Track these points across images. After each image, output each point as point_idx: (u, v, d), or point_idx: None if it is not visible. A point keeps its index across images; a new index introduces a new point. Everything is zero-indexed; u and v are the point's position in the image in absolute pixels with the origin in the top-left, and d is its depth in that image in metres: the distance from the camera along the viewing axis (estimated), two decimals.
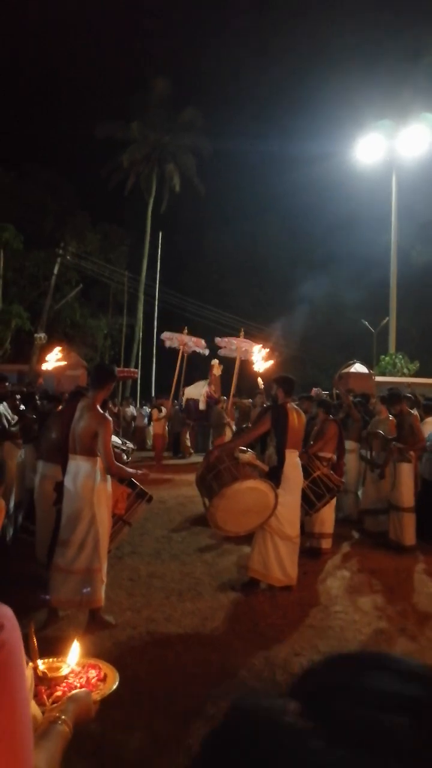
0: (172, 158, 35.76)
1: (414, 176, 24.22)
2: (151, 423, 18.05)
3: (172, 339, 16.75)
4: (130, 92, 34.84)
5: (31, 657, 1.31)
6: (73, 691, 1.27)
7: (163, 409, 15.02)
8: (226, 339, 15.73)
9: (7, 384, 7.30)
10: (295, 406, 5.62)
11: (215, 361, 17.31)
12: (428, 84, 25.52)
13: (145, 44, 46.38)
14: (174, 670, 3.76)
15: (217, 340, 15.70)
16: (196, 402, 16.28)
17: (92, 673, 1.40)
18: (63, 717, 1.16)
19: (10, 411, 6.77)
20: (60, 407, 6.33)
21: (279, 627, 4.54)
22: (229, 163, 37.49)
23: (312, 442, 6.65)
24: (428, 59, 27.68)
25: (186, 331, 16.50)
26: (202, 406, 15.75)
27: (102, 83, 40.97)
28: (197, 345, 16.62)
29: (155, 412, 15.22)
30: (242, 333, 15.50)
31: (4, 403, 6.75)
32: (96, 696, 1.31)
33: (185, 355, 16.54)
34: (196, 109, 35.17)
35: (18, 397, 7.47)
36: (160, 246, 33.73)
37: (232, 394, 14.28)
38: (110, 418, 4.48)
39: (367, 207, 29.31)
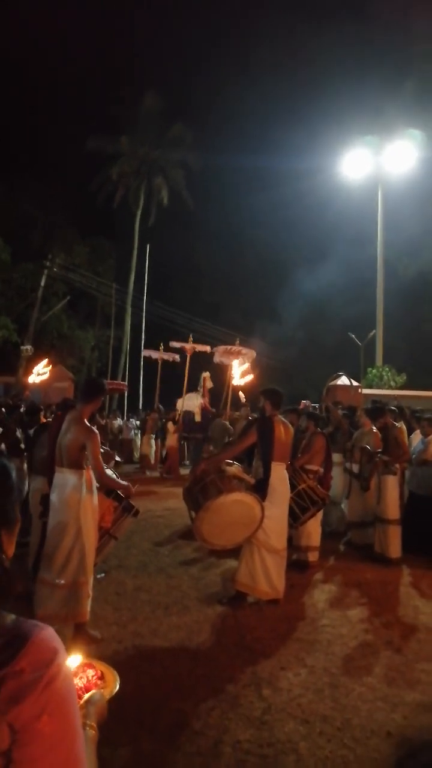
0: (161, 172, 36.01)
1: (400, 191, 24.54)
2: (136, 435, 18.03)
3: (150, 354, 17.19)
4: (119, 106, 35.04)
5: None
6: (89, 694, 1.28)
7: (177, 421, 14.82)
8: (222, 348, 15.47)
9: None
10: (283, 419, 5.63)
11: (206, 374, 17.34)
12: (413, 100, 25.95)
13: (135, 59, 46.79)
14: (160, 685, 3.74)
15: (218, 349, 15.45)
16: (191, 414, 16.24)
17: (90, 672, 1.40)
18: (89, 722, 1.18)
19: None
20: (44, 420, 6.31)
21: (265, 641, 4.53)
22: (217, 176, 37.76)
23: (299, 455, 6.66)
24: (414, 76, 28.16)
25: (162, 348, 16.66)
26: (197, 418, 15.67)
27: (92, 97, 41.26)
28: (170, 356, 16.83)
29: (170, 424, 14.81)
30: (237, 341, 15.44)
31: None
32: (106, 696, 1.33)
33: (160, 364, 16.75)
34: (184, 125, 35.47)
35: (3, 410, 7.44)
36: (147, 258, 33.81)
37: (228, 407, 14.12)
38: (97, 431, 4.48)
39: (354, 221, 29.65)
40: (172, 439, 14.73)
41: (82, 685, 1.35)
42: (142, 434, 16.45)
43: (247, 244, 36.88)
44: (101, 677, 1.40)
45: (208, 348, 16.68)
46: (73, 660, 1.41)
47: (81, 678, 1.37)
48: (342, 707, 3.56)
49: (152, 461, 15.89)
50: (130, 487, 4.70)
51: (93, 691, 1.31)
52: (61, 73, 42.63)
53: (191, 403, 16.12)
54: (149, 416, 16.02)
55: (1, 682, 0.90)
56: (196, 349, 15.32)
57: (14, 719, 0.90)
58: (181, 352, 16.07)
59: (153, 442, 15.82)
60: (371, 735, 3.28)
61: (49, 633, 0.98)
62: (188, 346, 15.12)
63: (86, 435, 4.33)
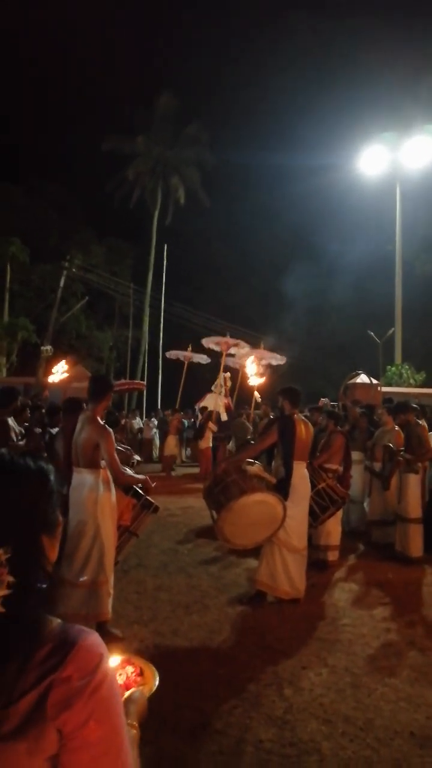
0: (177, 171, 36.05)
1: (418, 187, 24.31)
2: (156, 434, 18.06)
3: (177, 355, 16.99)
4: (135, 107, 35.21)
5: None
6: (128, 693, 1.28)
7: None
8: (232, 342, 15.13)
9: (18, 399, 7.29)
10: (303, 417, 5.61)
11: (227, 374, 17.36)
12: (431, 96, 25.67)
13: (150, 60, 46.93)
14: (181, 684, 3.74)
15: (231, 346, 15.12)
16: (218, 414, 16.25)
17: (129, 669, 1.40)
18: (129, 721, 1.18)
19: (17, 425, 6.79)
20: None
21: (286, 640, 4.51)
22: (233, 175, 37.78)
23: (318, 454, 6.63)
24: None
25: (190, 348, 16.58)
26: (224, 417, 15.63)
27: (108, 98, 41.37)
28: (200, 358, 16.70)
29: (211, 424, 14.36)
30: (261, 346, 15.31)
31: (12, 418, 6.76)
32: (146, 693, 1.32)
33: (186, 365, 16.60)
34: (200, 124, 35.51)
35: (27, 412, 7.51)
36: (165, 258, 33.89)
37: (253, 406, 13.96)
38: (110, 429, 4.48)
39: (371, 218, 29.47)
40: (207, 441, 14.26)
41: (122, 683, 1.35)
42: (163, 434, 16.41)
43: (263, 242, 36.79)
44: (140, 674, 1.41)
45: (204, 358, 16.65)
46: (114, 658, 1.41)
47: (121, 675, 1.38)
48: (364, 707, 3.54)
49: (178, 461, 15.75)
50: (148, 480, 4.71)
51: (133, 690, 1.31)
52: (77, 74, 42.94)
53: (213, 402, 16.07)
54: (173, 416, 15.78)
55: (49, 687, 0.91)
56: (231, 348, 14.81)
57: (63, 725, 0.91)
58: (214, 352, 15.89)
59: (178, 442, 15.56)
60: (395, 735, 3.26)
61: (94, 638, 0.99)
62: (225, 340, 14.55)
63: (99, 433, 4.34)
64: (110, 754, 0.94)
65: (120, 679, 1.35)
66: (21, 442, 6.65)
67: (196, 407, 17.46)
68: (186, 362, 16.55)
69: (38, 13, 39.52)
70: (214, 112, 40.62)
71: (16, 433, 6.64)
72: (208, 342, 14.98)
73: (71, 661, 0.94)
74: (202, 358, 16.75)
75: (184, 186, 36.19)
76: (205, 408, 14.01)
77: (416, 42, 30.59)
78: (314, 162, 30.85)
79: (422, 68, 28.33)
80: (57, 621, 1.01)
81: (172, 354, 17.35)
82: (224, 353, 14.52)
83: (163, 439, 16.49)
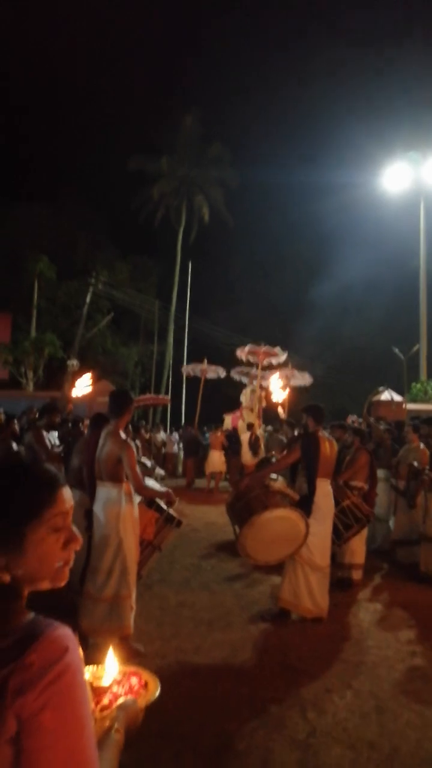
0: (201, 191, 36.40)
1: None
2: (180, 449, 18.03)
3: (193, 369, 16.95)
4: (160, 127, 35.68)
5: None
6: (121, 700, 1.29)
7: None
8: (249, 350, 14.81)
9: (57, 413, 7.40)
10: (327, 435, 5.57)
11: (263, 393, 17.34)
12: None
13: (174, 80, 47.67)
14: (203, 703, 3.70)
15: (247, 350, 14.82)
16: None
17: (134, 680, 1.40)
18: (116, 726, 1.19)
19: (57, 440, 6.96)
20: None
21: (309, 660, 4.44)
22: (256, 193, 38.06)
23: (343, 471, 6.57)
24: None
25: (206, 361, 16.58)
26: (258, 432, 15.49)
27: (133, 118, 42.15)
28: (214, 372, 16.62)
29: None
30: (290, 365, 15.16)
31: (53, 432, 6.92)
32: (141, 703, 1.32)
33: (203, 379, 16.54)
34: (223, 144, 35.89)
35: (70, 425, 7.68)
36: (189, 275, 34.14)
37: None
38: (132, 443, 4.50)
39: (395, 235, 29.29)
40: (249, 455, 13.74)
41: (123, 693, 1.35)
42: (186, 449, 16.26)
43: (286, 259, 36.87)
44: (145, 686, 1.40)
45: (220, 371, 16.50)
46: (115, 667, 1.42)
47: (123, 685, 1.38)
48: (390, 733, 3.46)
49: (223, 477, 15.47)
50: (170, 494, 4.70)
51: (126, 697, 1.31)
52: (104, 95, 43.80)
53: (251, 418, 15.92)
54: (215, 432, 15.40)
55: (9, 674, 0.94)
56: (272, 361, 14.45)
57: (19, 710, 0.93)
58: (229, 366, 15.77)
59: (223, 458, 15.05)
60: (421, 763, 3.17)
61: (63, 631, 1.01)
62: (262, 350, 14.24)
63: (121, 447, 4.36)
64: (67, 743, 0.95)
65: (121, 690, 1.36)
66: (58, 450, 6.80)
67: (228, 422, 17.31)
68: (203, 377, 16.53)
69: (68, 38, 40.57)
70: (237, 131, 41.17)
71: (51, 443, 6.77)
72: (243, 353, 14.71)
73: (35, 649, 0.97)
74: (219, 371, 16.67)
75: (208, 204, 36.50)
76: (251, 425, 13.73)
77: None
78: (337, 180, 30.92)
79: None
80: (30, 615, 1.04)
81: (187, 369, 17.28)
82: (260, 364, 14.23)
83: (187, 454, 16.37)
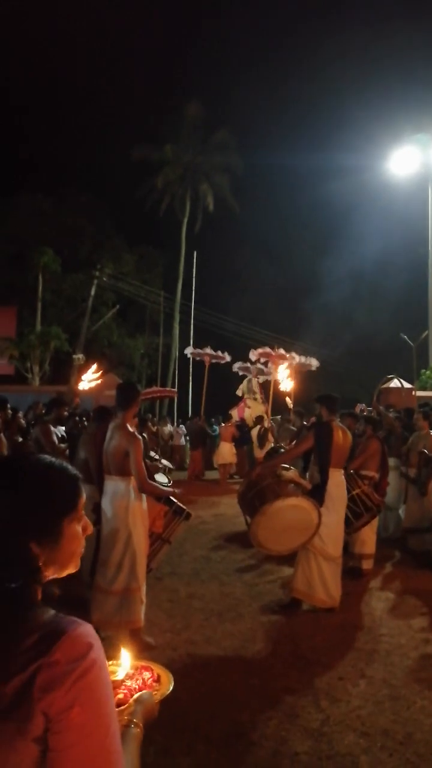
0: (206, 178, 36.17)
1: None
2: (187, 441, 18.03)
3: (197, 353, 16.86)
4: (163, 114, 35.46)
5: None
6: (138, 693, 1.30)
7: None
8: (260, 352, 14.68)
9: (64, 407, 7.40)
10: (340, 424, 5.53)
11: (259, 379, 17.35)
12: None
13: (177, 68, 47.35)
14: (215, 694, 3.70)
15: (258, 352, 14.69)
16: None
17: (146, 674, 1.41)
18: (134, 720, 1.20)
19: (60, 431, 6.94)
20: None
21: (322, 650, 4.43)
22: (262, 180, 37.73)
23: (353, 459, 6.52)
24: None
25: (209, 348, 16.52)
26: (267, 424, 15.48)
27: (136, 107, 41.93)
28: (218, 358, 16.52)
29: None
30: (276, 347, 15.00)
31: (60, 427, 6.91)
32: (157, 697, 1.33)
33: (208, 366, 16.45)
34: (228, 131, 35.57)
35: (77, 418, 7.67)
36: (195, 265, 34.02)
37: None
38: (140, 437, 4.48)
39: (403, 220, 29.04)
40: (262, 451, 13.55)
41: (137, 687, 1.36)
42: (193, 441, 16.25)
43: (292, 246, 36.62)
44: (157, 680, 1.41)
45: (226, 357, 16.45)
46: (127, 660, 1.42)
47: (136, 680, 1.38)
48: (403, 721, 3.44)
49: (234, 470, 15.41)
50: (174, 491, 4.69)
51: (142, 691, 1.32)
52: (107, 84, 43.56)
53: (259, 410, 15.88)
54: (225, 424, 15.30)
55: (36, 671, 0.95)
56: (283, 356, 14.24)
57: (47, 708, 0.94)
58: (235, 352, 15.65)
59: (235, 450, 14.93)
60: None
61: (85, 629, 1.02)
62: (277, 354, 14.02)
63: (129, 441, 4.33)
64: (95, 739, 0.96)
65: (135, 684, 1.37)
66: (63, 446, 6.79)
67: (235, 415, 17.28)
68: (207, 364, 16.45)
69: (69, 26, 40.31)
70: (242, 117, 40.86)
71: (58, 437, 6.76)
72: (255, 354, 14.53)
73: (59, 647, 0.97)
74: (224, 357, 16.59)
75: (213, 192, 36.27)
76: (261, 417, 13.63)
77: None
78: (344, 164, 30.62)
79: None
80: (50, 612, 1.05)
81: (193, 353, 17.17)
82: (275, 367, 14.01)
83: (192, 445, 16.33)
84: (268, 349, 13.96)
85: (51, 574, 1.11)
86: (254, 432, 13.58)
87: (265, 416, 13.27)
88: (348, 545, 6.31)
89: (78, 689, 0.95)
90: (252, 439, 13.79)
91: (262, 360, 14.60)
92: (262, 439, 13.16)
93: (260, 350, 14.13)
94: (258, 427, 12.94)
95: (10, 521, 1.06)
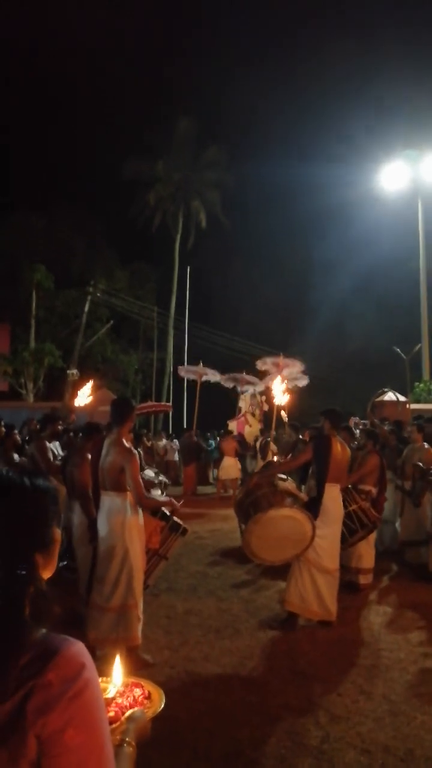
0: (197, 195, 36.43)
1: None
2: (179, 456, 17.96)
3: (189, 372, 16.91)
4: (155, 131, 35.71)
5: None
6: (130, 711, 1.28)
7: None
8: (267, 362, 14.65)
9: (58, 423, 7.38)
10: (340, 440, 5.53)
11: (264, 397, 17.37)
12: None
13: (168, 84, 47.83)
14: (213, 712, 3.66)
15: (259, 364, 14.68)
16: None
17: (137, 691, 1.39)
18: (127, 738, 1.18)
19: (60, 449, 6.91)
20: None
21: (320, 665, 4.40)
22: (253, 195, 38.13)
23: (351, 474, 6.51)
24: None
25: (201, 364, 16.58)
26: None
27: (127, 124, 42.23)
28: (208, 375, 16.59)
29: (272, 444, 13.82)
30: (282, 355, 14.94)
31: (55, 442, 6.88)
32: (148, 714, 1.31)
33: (200, 382, 16.52)
34: (219, 147, 35.91)
35: (71, 434, 7.66)
36: (188, 281, 34.19)
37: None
38: (135, 452, 4.47)
39: (395, 234, 29.32)
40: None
41: (128, 704, 1.34)
42: (186, 456, 16.18)
43: (284, 261, 36.86)
44: (148, 697, 1.38)
45: (217, 374, 16.54)
46: (119, 678, 1.40)
47: (127, 697, 1.36)
48: (404, 737, 3.41)
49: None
50: (173, 502, 4.66)
51: (134, 709, 1.30)
52: (98, 100, 43.83)
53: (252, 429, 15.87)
54: (227, 439, 15.17)
55: (29, 693, 0.93)
56: (286, 369, 14.17)
57: (40, 730, 0.92)
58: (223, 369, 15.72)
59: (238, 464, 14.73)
60: None
61: (78, 648, 1.01)
62: (280, 361, 14.05)
63: (124, 456, 4.32)
64: (89, 760, 0.94)
65: (126, 701, 1.35)
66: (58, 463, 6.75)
67: (235, 428, 17.28)
68: (199, 381, 16.51)
69: (58, 41, 40.67)
70: (233, 130, 41.16)
71: (54, 455, 6.73)
72: (264, 364, 14.49)
73: (53, 667, 0.95)
74: (214, 375, 16.67)
75: (205, 209, 36.51)
76: (263, 431, 13.57)
77: None
78: (334, 179, 30.91)
79: None
80: (42, 631, 1.03)
81: (184, 371, 17.29)
82: (281, 374, 13.96)
83: (185, 461, 16.21)
84: (276, 359, 13.99)
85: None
86: (258, 443, 13.61)
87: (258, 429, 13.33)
88: (344, 559, 6.28)
89: (72, 711, 0.94)
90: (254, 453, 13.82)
91: (270, 370, 14.49)
92: (263, 451, 13.16)
93: (270, 360, 14.17)
94: (261, 438, 12.97)
95: (17, 535, 1.07)
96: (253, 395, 18.12)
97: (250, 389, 17.88)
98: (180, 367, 17.98)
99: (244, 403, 18.31)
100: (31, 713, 0.92)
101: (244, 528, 4.92)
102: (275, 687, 4.03)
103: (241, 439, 16.03)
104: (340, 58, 38.09)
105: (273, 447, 12.59)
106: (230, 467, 14.51)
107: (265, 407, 17.27)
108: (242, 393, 18.03)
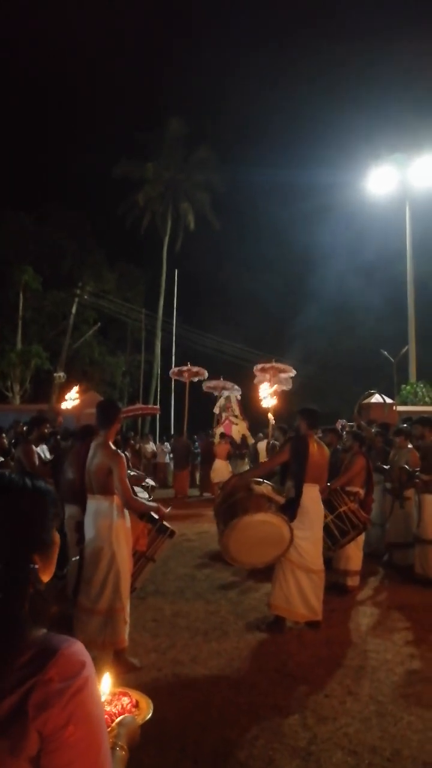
0: (187, 196, 36.43)
1: (429, 206, 24.35)
2: (171, 459, 17.96)
3: (179, 373, 17.04)
4: (144, 132, 35.69)
5: None
6: (120, 717, 1.31)
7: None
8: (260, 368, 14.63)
9: (45, 425, 7.32)
10: (317, 439, 5.52)
11: (237, 395, 17.50)
12: None
13: (158, 84, 47.87)
14: (201, 713, 3.65)
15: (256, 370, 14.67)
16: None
17: (125, 700, 1.41)
18: (119, 743, 1.21)
19: (48, 452, 6.86)
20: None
21: (308, 667, 4.41)
22: (242, 197, 38.27)
23: (339, 476, 6.53)
24: None
25: (189, 365, 16.68)
26: (250, 440, 15.55)
27: (117, 124, 42.23)
28: (199, 374, 16.69)
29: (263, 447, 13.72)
30: (273, 360, 14.95)
31: (43, 446, 6.83)
32: (138, 721, 1.33)
33: (188, 384, 16.66)
34: (209, 148, 35.94)
35: (58, 437, 7.60)
36: (176, 282, 34.15)
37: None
38: (122, 454, 4.45)
39: (383, 237, 29.51)
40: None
41: (116, 712, 1.36)
42: (178, 459, 16.16)
43: (274, 262, 37.02)
44: (135, 705, 1.40)
45: (203, 373, 16.68)
46: (107, 686, 1.40)
47: (115, 705, 1.38)
48: (391, 737, 3.42)
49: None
50: (160, 508, 4.65)
51: (125, 715, 1.33)
52: (88, 100, 43.82)
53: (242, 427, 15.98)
54: (219, 442, 15.14)
55: (30, 690, 0.95)
56: (281, 373, 14.17)
57: (42, 726, 0.94)
58: (211, 370, 15.84)
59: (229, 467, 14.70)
60: (424, 766, 3.14)
61: (77, 647, 1.03)
62: (272, 366, 13.82)
63: (112, 459, 4.30)
64: (88, 756, 0.97)
65: (114, 709, 1.37)
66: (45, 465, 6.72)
67: (221, 432, 17.30)
68: (187, 382, 16.59)
69: (49, 42, 40.59)
70: (223, 132, 41.19)
71: (41, 458, 6.68)
72: (258, 370, 14.49)
73: (53, 665, 0.98)
74: (203, 374, 16.79)
75: (194, 210, 36.51)
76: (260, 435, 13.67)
77: (427, 63, 30.95)
78: (323, 181, 31.13)
79: None
80: (42, 631, 1.05)
81: (175, 373, 17.52)
82: (271, 379, 13.96)
83: (178, 465, 16.19)
84: (268, 364, 14.04)
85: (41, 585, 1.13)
86: (261, 445, 13.69)
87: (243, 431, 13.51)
88: (332, 561, 6.30)
89: (73, 707, 0.96)
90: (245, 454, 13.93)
91: (266, 375, 14.48)
92: (253, 454, 13.26)
93: (262, 365, 14.22)
94: (265, 441, 13.05)
95: (16, 536, 1.09)
96: (227, 398, 18.35)
97: (226, 393, 18.09)
98: (171, 370, 18.16)
99: (218, 408, 18.53)
100: (33, 709, 0.94)
101: (221, 533, 4.90)
102: (263, 688, 4.03)
103: (231, 440, 16.07)
104: (331, 63, 38.43)
105: (261, 449, 12.69)
106: (222, 470, 14.52)
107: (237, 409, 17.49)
108: (219, 397, 18.31)
